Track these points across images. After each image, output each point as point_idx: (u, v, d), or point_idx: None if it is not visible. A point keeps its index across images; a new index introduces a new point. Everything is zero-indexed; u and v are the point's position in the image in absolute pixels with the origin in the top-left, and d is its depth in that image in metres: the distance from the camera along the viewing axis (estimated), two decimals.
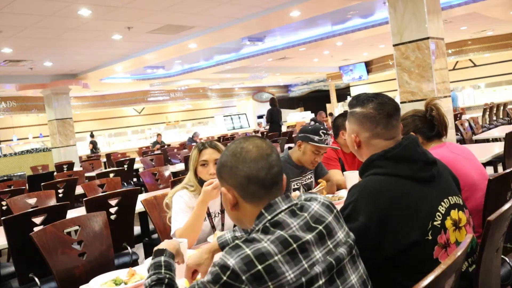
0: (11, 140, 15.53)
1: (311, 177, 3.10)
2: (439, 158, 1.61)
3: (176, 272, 1.45)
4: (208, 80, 17.14)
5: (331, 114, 17.37)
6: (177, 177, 4.11)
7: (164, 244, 1.53)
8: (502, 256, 1.74)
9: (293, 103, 24.85)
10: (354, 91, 20.15)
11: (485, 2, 8.40)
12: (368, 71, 18.41)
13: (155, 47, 9.73)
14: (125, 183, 6.66)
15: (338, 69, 19.19)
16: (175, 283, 1.37)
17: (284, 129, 14.26)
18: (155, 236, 3.65)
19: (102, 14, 6.86)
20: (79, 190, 5.15)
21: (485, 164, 3.81)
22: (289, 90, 24.11)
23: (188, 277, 1.57)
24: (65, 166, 8.48)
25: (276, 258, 1.05)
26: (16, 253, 2.72)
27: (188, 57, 11.92)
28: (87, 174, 7.22)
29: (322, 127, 2.82)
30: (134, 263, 3.14)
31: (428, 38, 5.85)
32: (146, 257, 3.27)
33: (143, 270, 1.84)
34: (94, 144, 15.10)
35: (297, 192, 2.81)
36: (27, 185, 6.01)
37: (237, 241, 1.10)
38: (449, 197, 1.50)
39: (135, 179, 7.61)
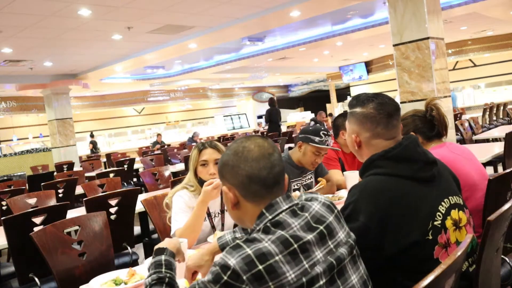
0: (11, 140, 15.53)
1: (311, 177, 3.10)
2: (439, 158, 1.61)
3: (177, 271, 1.45)
4: (208, 80, 17.14)
5: (330, 115, 17.38)
6: (177, 177, 4.11)
7: (164, 243, 1.53)
8: (502, 256, 1.74)
9: (293, 103, 24.86)
10: (354, 91, 20.15)
11: (485, 2, 8.40)
12: (368, 71, 18.41)
13: (155, 47, 9.73)
14: (125, 183, 6.66)
15: (338, 69, 19.19)
16: (175, 282, 1.37)
17: (284, 129, 14.27)
18: (155, 236, 3.65)
19: (102, 14, 6.86)
20: (79, 190, 5.15)
21: (485, 164, 3.80)
22: (289, 90, 24.11)
23: (188, 278, 1.57)
24: (65, 166, 8.48)
25: (277, 258, 1.05)
26: (16, 253, 2.72)
27: (188, 57, 11.92)
28: (87, 174, 7.22)
29: (322, 128, 2.83)
30: (134, 263, 3.14)
31: (428, 38, 5.85)
32: (146, 257, 3.27)
33: (143, 270, 1.84)
34: (94, 144, 15.10)
35: (297, 193, 2.81)
36: (27, 185, 6.01)
37: (237, 241, 1.10)
38: (450, 197, 1.50)
39: (135, 179, 7.61)
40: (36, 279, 2.64)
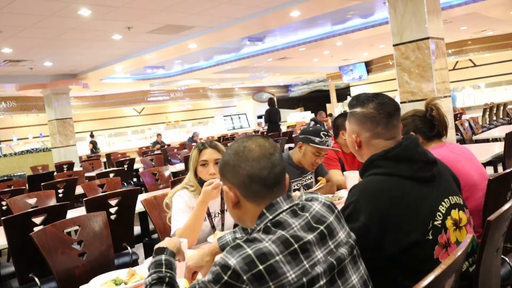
0: (11, 140, 15.53)
1: (311, 177, 3.10)
2: (439, 158, 1.61)
3: (177, 271, 1.45)
4: (208, 80, 17.14)
5: (330, 115, 17.37)
6: (177, 177, 4.11)
7: (165, 242, 1.53)
8: (502, 256, 1.74)
9: (293, 103, 24.86)
10: (354, 91, 20.15)
11: (485, 2, 8.40)
12: (368, 71, 18.41)
13: (155, 47, 9.73)
14: (125, 183, 6.66)
15: (338, 69, 19.19)
16: (175, 282, 1.37)
17: (284, 129, 14.27)
18: (155, 236, 3.65)
19: (102, 14, 6.86)
20: (79, 190, 5.15)
21: (485, 164, 3.80)
22: (289, 90, 24.11)
23: (188, 278, 1.57)
24: (65, 166, 8.48)
25: (277, 258, 1.05)
26: (16, 253, 2.72)
27: (188, 57, 11.92)
28: (87, 174, 7.22)
29: (323, 129, 2.83)
30: (134, 263, 3.14)
31: (428, 38, 5.85)
32: (146, 257, 3.27)
33: (143, 270, 1.84)
34: (94, 144, 15.10)
35: (297, 193, 2.81)
36: (27, 185, 6.01)
37: (238, 241, 1.10)
38: (450, 197, 1.50)
39: (135, 179, 7.61)
40: (36, 279, 2.64)
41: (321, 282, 1.08)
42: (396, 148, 1.49)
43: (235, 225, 2.46)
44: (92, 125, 18.29)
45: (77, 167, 9.63)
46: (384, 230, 1.37)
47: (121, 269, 1.96)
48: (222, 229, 2.42)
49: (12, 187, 5.31)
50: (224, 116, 21.53)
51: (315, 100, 23.75)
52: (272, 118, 11.41)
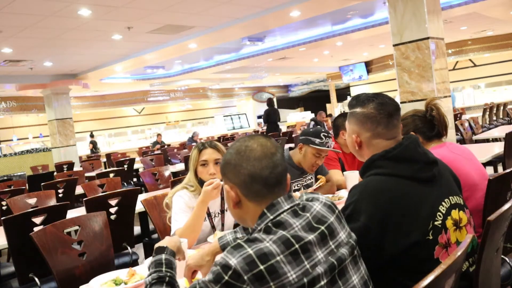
0: (11, 140, 15.53)
1: (311, 178, 3.10)
2: (439, 158, 1.61)
3: (177, 270, 1.45)
4: (208, 80, 17.14)
5: (330, 115, 17.37)
6: (177, 177, 4.11)
7: (165, 242, 1.53)
8: (502, 256, 1.74)
9: (293, 103, 24.86)
10: (354, 91, 20.15)
11: (485, 2, 8.41)
12: (368, 71, 18.41)
13: (155, 47, 9.73)
14: (125, 183, 6.66)
15: (338, 69, 19.19)
16: (175, 281, 1.37)
17: (284, 129, 14.27)
18: (155, 236, 3.65)
19: (102, 14, 6.86)
20: (79, 190, 5.16)
21: (485, 164, 3.81)
22: (289, 90, 24.11)
23: (188, 277, 1.57)
24: (65, 166, 8.48)
25: (278, 258, 1.05)
26: (16, 253, 2.72)
27: (188, 57, 11.92)
28: (87, 174, 7.22)
29: (323, 130, 2.83)
30: (134, 263, 3.14)
31: (428, 38, 5.85)
32: (146, 257, 3.27)
33: (143, 270, 1.85)
34: (94, 144, 15.10)
35: (297, 193, 2.81)
36: (27, 185, 6.01)
37: (239, 241, 1.10)
38: (450, 197, 1.50)
39: (135, 179, 7.61)
40: (36, 279, 2.64)
41: (322, 283, 1.08)
42: (396, 148, 1.49)
43: (235, 225, 2.46)
44: (92, 125, 18.29)
45: (77, 167, 9.63)
46: (384, 230, 1.37)
47: (121, 269, 1.96)
48: (222, 229, 2.43)
49: (12, 187, 5.31)
50: (224, 116, 21.54)
51: (315, 100, 23.75)
52: (271, 118, 11.42)
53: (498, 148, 4.14)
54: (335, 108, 19.83)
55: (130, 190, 3.36)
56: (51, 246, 2.25)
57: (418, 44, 5.91)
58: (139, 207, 3.40)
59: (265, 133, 11.49)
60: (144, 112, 20.18)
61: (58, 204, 3.24)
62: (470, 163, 2.12)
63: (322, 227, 1.16)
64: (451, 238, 1.44)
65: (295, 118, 19.31)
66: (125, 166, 7.36)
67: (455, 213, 1.48)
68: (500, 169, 4.96)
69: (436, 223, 1.42)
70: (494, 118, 9.98)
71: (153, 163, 7.28)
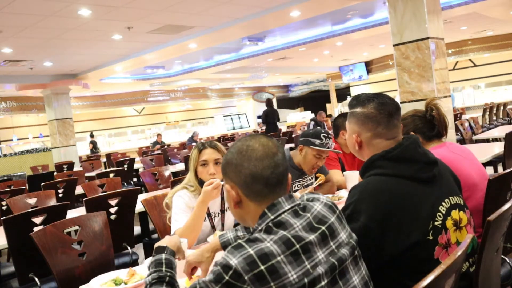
0: (11, 140, 15.53)
1: (311, 178, 3.10)
2: (439, 158, 1.61)
3: (177, 270, 1.45)
4: (208, 80, 17.14)
5: (330, 116, 17.37)
6: (177, 177, 4.11)
7: (165, 241, 1.53)
8: (502, 256, 1.74)
9: (293, 103, 24.86)
10: (354, 91, 20.15)
11: (485, 2, 8.41)
12: (368, 71, 18.41)
13: (155, 47, 9.73)
14: (125, 183, 6.66)
15: (338, 69, 19.19)
16: (176, 281, 1.38)
17: (284, 129, 14.27)
18: (155, 236, 3.65)
19: (102, 14, 6.86)
20: (79, 190, 5.16)
21: (485, 164, 3.81)
22: (289, 90, 24.12)
23: (187, 273, 1.57)
24: (65, 166, 8.49)
25: (279, 258, 1.05)
26: (16, 253, 2.72)
27: (188, 57, 11.92)
28: (87, 174, 7.22)
29: (323, 131, 2.82)
30: (134, 263, 3.14)
31: (428, 38, 5.85)
32: (146, 257, 3.27)
33: (143, 270, 1.85)
34: (94, 144, 15.10)
35: (297, 193, 2.81)
36: (27, 185, 6.01)
37: (239, 241, 1.10)
38: (450, 197, 1.50)
39: (135, 179, 7.61)
40: (36, 279, 2.64)
41: (323, 283, 1.08)
42: (396, 148, 1.49)
43: (235, 225, 2.46)
44: (92, 125, 18.29)
45: (77, 167, 9.63)
46: (385, 231, 1.37)
47: (121, 269, 1.96)
48: (222, 229, 2.43)
49: (12, 187, 5.31)
50: (224, 116, 21.54)
51: (315, 100, 23.75)
52: (269, 119, 11.43)
53: (498, 148, 4.14)
54: (335, 108, 19.83)
55: (130, 190, 3.36)
56: (51, 246, 2.25)
57: (418, 44, 5.91)
58: (139, 207, 3.40)
59: (265, 133, 11.50)
60: (144, 112, 20.18)
61: (58, 204, 3.24)
62: (470, 163, 2.12)
63: (323, 227, 1.16)
64: (451, 238, 1.44)
65: (295, 118, 19.31)
66: (125, 166, 7.36)
67: (455, 213, 1.48)
68: (500, 169, 4.96)
69: (436, 223, 1.42)
70: (494, 118, 9.98)
71: (153, 163, 7.28)
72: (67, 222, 2.41)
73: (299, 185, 3.02)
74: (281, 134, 11.17)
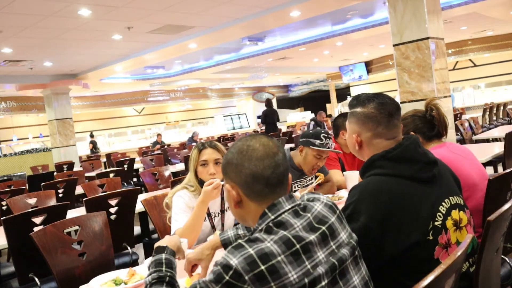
0: (11, 140, 15.53)
1: (311, 178, 3.10)
2: (439, 158, 1.61)
3: (177, 270, 1.45)
4: (208, 80, 17.14)
5: (330, 116, 17.37)
6: (177, 177, 4.11)
7: (165, 241, 1.53)
8: (502, 256, 1.74)
9: (293, 103, 24.87)
10: (354, 91, 20.15)
11: (485, 2, 8.41)
12: (368, 71, 18.41)
13: (155, 47, 9.73)
14: (125, 183, 6.67)
15: (338, 69, 19.19)
16: (176, 281, 1.38)
17: (284, 129, 14.27)
18: (155, 236, 3.65)
19: (102, 14, 6.86)
20: (79, 190, 5.16)
21: (485, 164, 3.81)
22: (289, 90, 24.12)
23: (187, 270, 1.57)
24: (65, 166, 8.49)
25: (279, 258, 1.05)
26: (16, 253, 2.72)
27: (188, 57, 11.92)
28: (87, 174, 7.22)
29: (323, 131, 2.82)
30: (134, 263, 3.14)
31: (428, 38, 5.85)
32: (146, 257, 3.27)
33: (143, 270, 1.85)
34: (94, 144, 15.10)
35: (297, 193, 2.81)
36: (27, 185, 6.01)
37: (240, 241, 1.10)
38: (450, 197, 1.50)
39: (135, 179, 7.61)
40: (36, 279, 2.64)
41: (323, 283, 1.08)
42: (396, 148, 1.49)
43: (235, 225, 2.46)
44: (92, 125, 18.30)
45: (77, 167, 9.63)
46: (385, 231, 1.37)
47: (121, 269, 1.96)
48: (222, 229, 2.43)
49: (12, 187, 5.31)
50: (224, 116, 21.54)
51: (315, 100, 23.75)
52: (268, 119, 11.44)
53: (498, 148, 4.14)
54: (335, 108, 19.83)
55: (130, 190, 3.36)
56: (51, 246, 2.25)
57: (418, 44, 5.91)
58: (139, 207, 3.40)
59: (265, 133, 11.50)
60: (144, 112, 20.18)
61: (58, 204, 3.24)
62: (470, 163, 2.12)
63: (323, 228, 1.15)
64: (451, 238, 1.44)
65: (295, 118, 19.31)
66: (125, 166, 7.36)
67: (455, 213, 1.48)
68: (500, 169, 4.96)
69: (436, 223, 1.42)
70: (494, 118, 9.98)
71: (153, 163, 7.28)
72: (67, 222, 2.41)
73: (299, 186, 3.02)
74: (281, 134, 11.17)
